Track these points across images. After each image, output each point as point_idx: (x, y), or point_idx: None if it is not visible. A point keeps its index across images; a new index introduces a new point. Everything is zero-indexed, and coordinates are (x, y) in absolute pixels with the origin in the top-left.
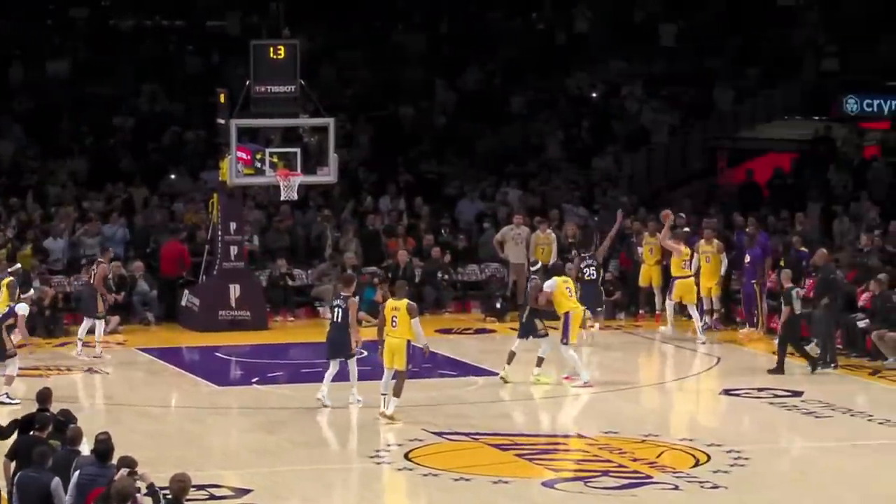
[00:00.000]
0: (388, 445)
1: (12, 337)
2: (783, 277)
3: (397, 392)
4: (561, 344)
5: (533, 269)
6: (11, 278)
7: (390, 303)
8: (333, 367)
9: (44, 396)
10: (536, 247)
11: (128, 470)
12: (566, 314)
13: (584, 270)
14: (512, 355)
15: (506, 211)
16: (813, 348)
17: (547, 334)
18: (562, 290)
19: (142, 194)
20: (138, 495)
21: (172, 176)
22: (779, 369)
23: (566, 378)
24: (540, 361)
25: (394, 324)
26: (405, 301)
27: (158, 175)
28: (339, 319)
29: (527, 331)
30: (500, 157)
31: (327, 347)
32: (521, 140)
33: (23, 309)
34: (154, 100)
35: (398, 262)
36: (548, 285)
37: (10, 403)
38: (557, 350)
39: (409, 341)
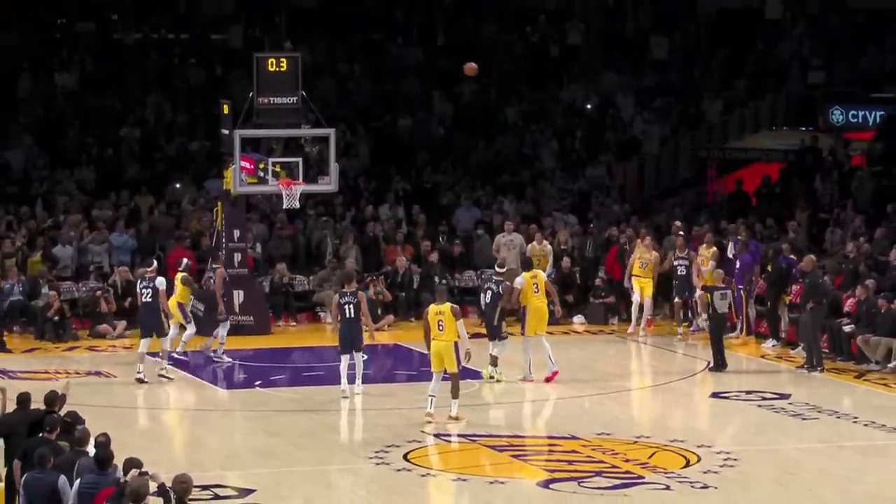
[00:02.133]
0: (387, 447)
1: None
2: (715, 277)
3: (455, 393)
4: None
5: (500, 270)
6: (185, 273)
7: (433, 308)
8: (345, 360)
9: (51, 399)
10: (532, 258)
11: (138, 471)
12: (523, 308)
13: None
14: (494, 359)
15: (501, 219)
16: (799, 352)
17: (507, 337)
18: (529, 284)
19: (147, 203)
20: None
21: (178, 185)
22: (717, 366)
23: (547, 379)
24: (494, 360)
25: (440, 327)
26: (448, 304)
27: (164, 184)
28: (352, 315)
29: (494, 333)
30: (495, 166)
31: (340, 342)
32: (516, 150)
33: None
34: (159, 111)
35: (396, 269)
36: (517, 282)
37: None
38: (539, 351)
39: (456, 343)
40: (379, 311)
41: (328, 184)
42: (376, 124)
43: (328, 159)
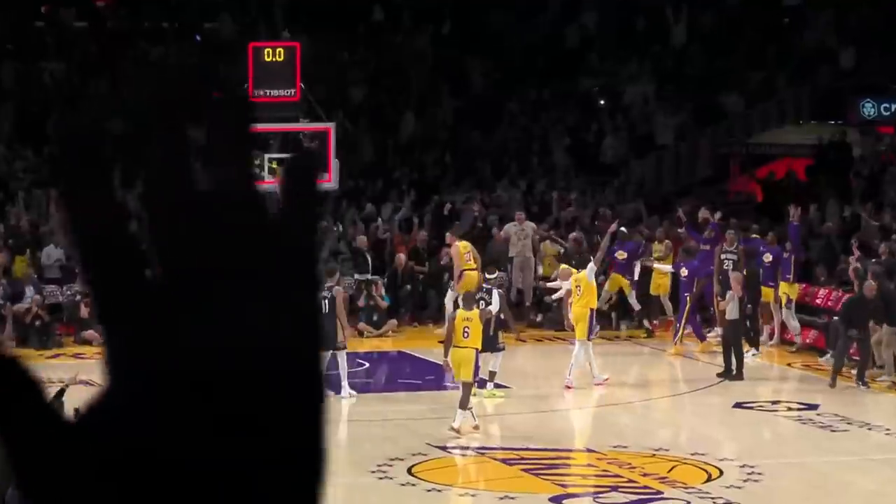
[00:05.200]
0: (391, 460)
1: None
2: (734, 280)
3: (463, 403)
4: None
5: (489, 276)
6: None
7: (461, 313)
8: (340, 359)
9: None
10: (545, 258)
11: None
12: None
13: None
14: (492, 374)
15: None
16: (827, 360)
17: (504, 348)
18: (573, 287)
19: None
20: None
21: None
22: (729, 373)
23: (598, 384)
24: (492, 376)
25: (465, 334)
26: (477, 311)
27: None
28: (328, 310)
29: (489, 344)
30: (505, 161)
31: None
32: (526, 144)
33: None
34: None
35: (397, 267)
36: (564, 285)
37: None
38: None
39: (477, 352)
40: (375, 317)
41: (328, 181)
42: (380, 118)
43: (328, 155)
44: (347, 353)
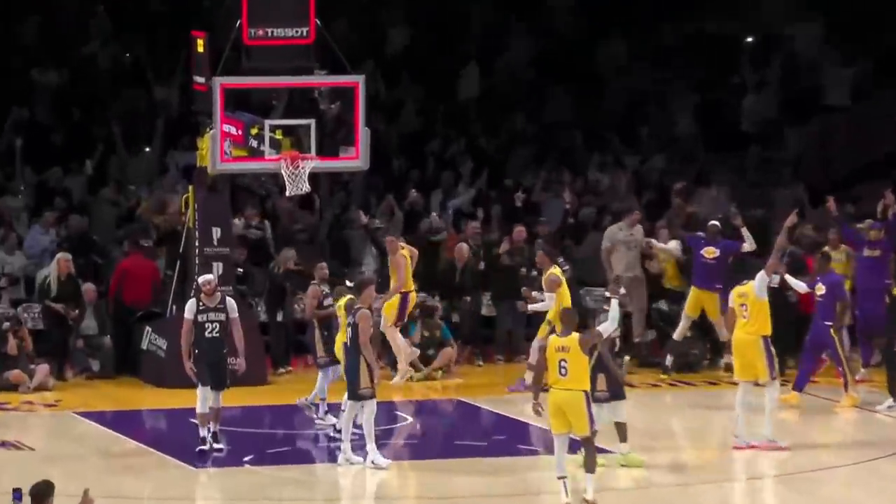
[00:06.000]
0: None
1: None
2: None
3: (590, 467)
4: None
5: (618, 291)
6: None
7: (555, 340)
8: (350, 407)
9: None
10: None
11: None
12: None
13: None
14: (622, 430)
15: (614, 205)
16: None
17: (624, 397)
18: (736, 305)
19: (80, 182)
20: None
21: (128, 158)
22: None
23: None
24: (623, 432)
25: (562, 370)
26: (576, 336)
27: (106, 157)
28: (350, 341)
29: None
30: (604, 130)
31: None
32: (634, 107)
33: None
34: (103, 49)
35: (455, 262)
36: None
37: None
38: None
39: (587, 394)
40: (430, 351)
41: (355, 158)
42: (427, 71)
43: (354, 122)
44: (379, 403)
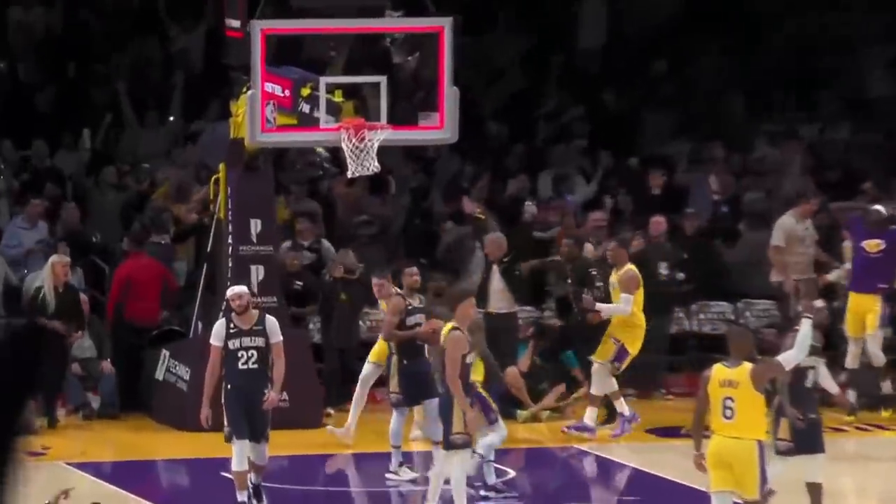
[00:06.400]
0: None
1: None
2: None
3: None
4: None
5: (818, 305)
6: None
7: (720, 371)
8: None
9: None
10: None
11: None
12: None
13: None
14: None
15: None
16: None
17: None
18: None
19: (75, 161)
20: None
21: (139, 129)
22: None
23: None
24: (816, 496)
25: (727, 411)
26: (747, 366)
27: (108, 125)
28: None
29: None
30: (771, 92)
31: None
32: (803, 57)
33: None
34: None
35: (567, 256)
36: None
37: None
38: None
39: (760, 443)
40: (543, 384)
41: (439, 128)
42: (534, 12)
43: (438, 82)
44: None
